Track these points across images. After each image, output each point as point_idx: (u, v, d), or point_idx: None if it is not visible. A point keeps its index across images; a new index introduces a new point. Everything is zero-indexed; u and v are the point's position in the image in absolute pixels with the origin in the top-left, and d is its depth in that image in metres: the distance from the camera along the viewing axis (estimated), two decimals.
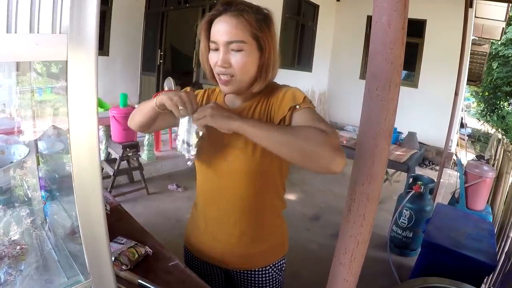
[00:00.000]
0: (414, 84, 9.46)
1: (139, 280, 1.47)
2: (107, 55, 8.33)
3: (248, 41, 1.31)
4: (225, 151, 1.45)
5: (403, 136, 6.07)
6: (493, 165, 5.11)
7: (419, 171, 6.92)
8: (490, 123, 16.39)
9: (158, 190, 5.48)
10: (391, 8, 0.75)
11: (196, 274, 1.62)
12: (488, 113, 17.01)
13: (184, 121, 1.32)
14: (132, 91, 8.42)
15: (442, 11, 8.70)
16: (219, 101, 1.54)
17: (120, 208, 2.17)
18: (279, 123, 1.36)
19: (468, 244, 2.78)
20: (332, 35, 10.99)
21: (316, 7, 10.06)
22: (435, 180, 4.76)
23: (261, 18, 1.32)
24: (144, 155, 5.85)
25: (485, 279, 3.00)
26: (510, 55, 15.00)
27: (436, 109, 8.85)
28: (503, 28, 10.42)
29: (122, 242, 1.71)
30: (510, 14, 9.94)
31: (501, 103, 16.78)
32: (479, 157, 5.87)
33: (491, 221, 4.02)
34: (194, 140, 1.32)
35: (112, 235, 1.72)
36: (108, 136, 5.20)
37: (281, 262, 1.69)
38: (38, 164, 1.57)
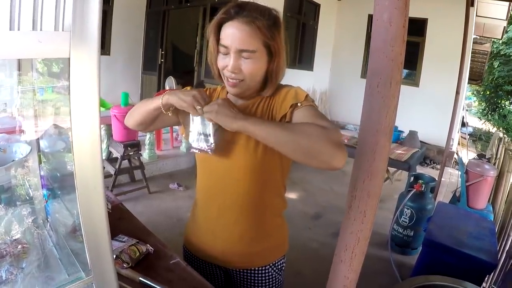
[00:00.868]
0: (415, 83, 9.45)
1: (140, 278, 1.48)
2: (108, 54, 8.34)
3: (259, 50, 1.32)
4: (227, 149, 1.45)
5: (404, 135, 6.06)
6: (494, 164, 5.11)
7: (420, 170, 6.91)
8: (491, 122, 16.37)
9: (159, 189, 5.49)
10: (392, 5, 0.75)
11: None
12: (489, 112, 16.99)
13: (197, 116, 1.33)
14: (133, 90, 8.43)
15: (443, 10, 8.70)
16: None
17: (122, 207, 2.17)
18: (280, 121, 1.37)
19: (469, 242, 2.78)
20: (333, 34, 10.98)
21: (317, 6, 10.06)
22: (436, 179, 4.75)
23: (271, 23, 1.32)
24: (145, 154, 5.86)
25: (486, 278, 2.99)
26: (511, 54, 14.98)
27: (437, 108, 8.85)
28: (504, 27, 10.40)
29: (123, 240, 1.72)
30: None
31: (502, 102, 16.75)
32: (480, 156, 5.86)
33: (492, 219, 4.02)
34: (211, 129, 1.33)
35: (114, 233, 1.73)
36: (109, 135, 5.21)
37: (281, 262, 1.69)
38: (40, 162, 1.57)
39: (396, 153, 4.89)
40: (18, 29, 0.70)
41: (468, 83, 11.37)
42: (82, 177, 0.79)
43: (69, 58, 0.71)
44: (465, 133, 10.53)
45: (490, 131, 15.18)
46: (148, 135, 5.77)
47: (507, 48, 15.12)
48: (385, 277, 3.68)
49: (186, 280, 1.55)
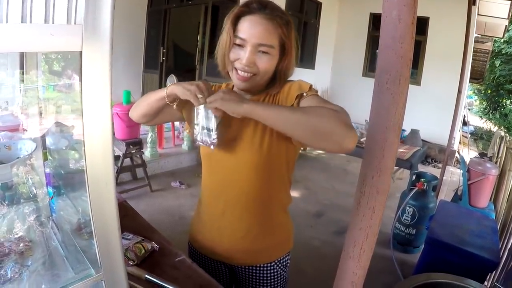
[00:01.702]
0: (417, 82, 9.44)
1: (146, 276, 1.48)
2: None
3: (275, 46, 1.34)
4: (232, 144, 1.45)
5: (406, 133, 6.06)
6: (496, 163, 5.11)
7: (421, 168, 6.91)
8: (492, 121, 16.37)
9: (162, 187, 5.49)
10: (401, 2, 0.76)
11: None
12: (491, 111, 16.98)
13: (201, 109, 1.32)
14: (134, 89, 8.40)
15: (445, 8, 8.68)
16: None
17: (126, 204, 2.17)
18: None
19: (472, 241, 2.79)
20: (334, 33, 10.96)
21: (318, 5, 10.04)
22: (438, 177, 4.76)
23: (286, 22, 1.35)
24: (147, 152, 5.85)
25: (488, 276, 3.00)
26: None
27: (438, 107, 8.84)
28: (505, 25, 10.38)
29: (128, 237, 1.72)
30: None
31: (504, 101, 16.74)
32: (482, 155, 5.86)
33: (494, 218, 4.02)
34: (214, 124, 1.32)
35: None
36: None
37: (286, 258, 1.69)
38: (45, 160, 1.57)
39: (398, 152, 4.88)
40: (30, 22, 0.70)
41: (470, 82, 11.36)
42: (93, 174, 0.78)
43: (81, 52, 0.70)
44: (467, 132, 10.53)
45: (491, 130, 15.17)
46: (150, 133, 5.77)
47: (508, 47, 15.11)
48: (387, 276, 3.69)
49: (191, 278, 1.55)
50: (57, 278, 1.09)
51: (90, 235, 0.95)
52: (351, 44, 10.61)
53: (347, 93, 10.44)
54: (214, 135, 1.33)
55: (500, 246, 3.03)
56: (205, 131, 1.34)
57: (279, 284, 1.69)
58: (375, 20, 9.96)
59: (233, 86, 1.56)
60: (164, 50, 9.12)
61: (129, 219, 2.00)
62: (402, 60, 0.77)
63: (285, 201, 1.63)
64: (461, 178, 4.45)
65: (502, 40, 14.53)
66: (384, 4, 0.78)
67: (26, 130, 1.60)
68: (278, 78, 1.44)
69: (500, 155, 5.45)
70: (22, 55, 1.49)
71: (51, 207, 1.49)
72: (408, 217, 4.17)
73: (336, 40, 11.03)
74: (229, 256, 1.64)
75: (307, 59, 10.21)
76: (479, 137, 13.81)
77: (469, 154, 8.90)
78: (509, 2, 8.12)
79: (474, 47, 9.95)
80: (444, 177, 5.82)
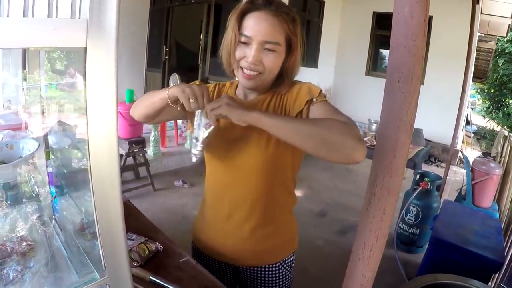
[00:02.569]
0: (420, 81, 9.41)
1: (150, 277, 1.46)
2: None
3: (281, 43, 1.32)
4: (238, 146, 1.44)
5: None
6: (499, 162, 5.10)
7: (424, 168, 6.88)
8: (495, 120, 16.31)
9: (164, 186, 5.49)
10: None
11: None
12: (494, 110, 16.92)
13: (197, 115, 1.29)
14: (137, 87, 8.40)
15: (448, 7, 8.65)
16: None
17: (129, 204, 2.16)
18: (296, 117, 1.35)
19: (476, 241, 2.78)
20: (337, 31, 10.93)
21: (321, 3, 10.02)
22: (442, 177, 4.74)
23: (292, 19, 1.33)
24: (150, 151, 5.86)
25: (492, 276, 2.98)
26: None
27: (442, 106, 8.81)
28: (509, 24, 10.33)
29: (132, 238, 1.70)
30: None
31: (507, 100, 16.67)
32: (485, 155, 5.85)
33: (498, 218, 4.01)
34: (202, 135, 1.28)
35: None
36: None
37: (291, 259, 1.68)
38: (48, 159, 1.55)
39: None
40: (32, 16, 0.67)
41: (473, 81, 11.33)
42: (97, 173, 0.76)
43: (85, 48, 0.67)
44: (470, 131, 10.51)
45: (494, 129, 15.12)
46: (152, 132, 5.77)
47: (511, 46, 15.07)
48: (391, 276, 3.67)
49: (196, 279, 1.54)
50: (60, 281, 1.07)
51: (93, 236, 0.94)
52: (354, 43, 10.59)
53: (350, 92, 10.43)
54: (199, 146, 1.30)
55: (504, 246, 3.01)
56: (194, 140, 1.32)
57: (284, 284, 1.68)
58: (378, 19, 9.95)
59: (237, 85, 1.55)
60: (167, 49, 9.13)
61: (132, 219, 1.99)
62: (415, 58, 0.76)
63: (290, 202, 1.62)
64: (465, 177, 4.44)
65: (505, 39, 14.47)
66: (395, 1, 0.77)
67: (29, 129, 1.59)
68: (285, 76, 1.42)
69: (503, 154, 5.43)
70: (24, 53, 1.48)
71: (54, 206, 1.47)
72: (412, 216, 4.16)
73: (339, 39, 11.00)
74: (234, 257, 1.63)
75: (310, 58, 10.19)
76: (482, 136, 13.76)
77: (472, 153, 8.88)
78: None
79: (477, 46, 9.92)
80: (447, 177, 5.80)
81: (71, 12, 0.68)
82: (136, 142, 4.89)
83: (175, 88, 1.27)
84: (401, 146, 0.80)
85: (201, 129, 1.28)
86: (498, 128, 14.75)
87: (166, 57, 9.13)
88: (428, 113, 8.85)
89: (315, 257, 3.95)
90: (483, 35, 11.40)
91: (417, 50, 0.75)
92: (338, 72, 11.05)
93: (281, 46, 1.32)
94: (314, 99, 1.34)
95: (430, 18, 9.03)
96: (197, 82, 1.42)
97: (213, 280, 1.53)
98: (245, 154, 1.43)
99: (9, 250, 1.14)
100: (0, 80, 1.69)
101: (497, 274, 3.12)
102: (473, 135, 11.21)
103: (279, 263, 1.63)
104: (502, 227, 3.42)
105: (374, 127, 6.31)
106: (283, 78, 1.43)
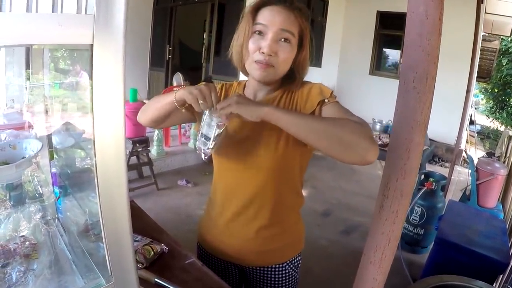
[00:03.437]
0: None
1: (156, 279, 1.44)
2: None
3: (295, 35, 1.33)
4: (246, 146, 1.43)
5: None
6: (504, 162, 5.08)
7: (428, 167, 6.87)
8: (499, 120, 16.26)
9: (168, 185, 5.48)
10: None
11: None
12: (497, 110, 16.86)
13: (205, 115, 1.28)
14: (140, 87, 8.41)
15: (452, 6, 8.61)
16: None
17: (133, 204, 2.13)
18: None
19: (481, 241, 2.77)
20: (341, 31, 10.90)
21: (325, 3, 10.00)
22: (446, 177, 4.72)
23: (306, 16, 1.36)
24: (153, 151, 5.85)
25: (497, 278, 2.97)
26: None
27: (445, 106, 8.75)
28: None
29: (137, 239, 1.69)
30: None
31: (511, 100, 16.61)
32: (490, 154, 5.83)
33: (503, 218, 3.99)
34: (214, 133, 1.26)
35: None
36: None
37: (297, 259, 1.67)
38: (51, 159, 1.54)
39: None
40: (36, 11, 0.66)
41: (476, 80, 11.29)
42: (104, 175, 0.74)
43: (91, 45, 0.65)
44: (473, 131, 10.48)
45: (498, 129, 15.09)
46: (156, 132, 5.77)
47: None
48: (395, 276, 3.64)
49: (202, 281, 1.52)
50: (64, 285, 1.06)
51: (97, 237, 0.92)
52: (358, 42, 10.56)
53: (354, 92, 10.39)
54: (210, 144, 1.28)
55: (509, 247, 3.00)
56: (203, 138, 1.30)
57: (290, 284, 1.67)
58: (382, 18, 9.92)
59: (245, 85, 1.54)
60: (170, 48, 9.14)
61: (136, 220, 1.95)
62: (429, 57, 0.74)
63: (297, 202, 1.62)
64: (469, 177, 4.42)
65: (509, 39, 14.43)
66: (410, 0, 0.75)
67: (32, 128, 1.58)
68: (295, 73, 1.43)
69: (508, 154, 5.41)
70: (28, 52, 1.47)
71: (57, 207, 1.46)
72: (417, 217, 4.14)
73: (343, 38, 10.97)
74: (240, 257, 1.62)
75: (314, 57, 10.17)
76: (486, 136, 13.74)
77: (476, 153, 8.85)
78: None
79: (481, 46, 9.88)
80: (451, 177, 5.78)
81: (77, 7, 0.66)
82: (140, 142, 4.89)
83: (182, 91, 1.27)
84: (415, 147, 0.79)
85: (212, 128, 1.27)
86: (501, 128, 14.71)
87: (170, 56, 9.14)
88: (432, 113, 8.74)
89: (319, 257, 3.94)
90: (487, 34, 11.38)
91: (432, 49, 0.74)
92: (342, 72, 11.02)
93: (295, 38, 1.33)
94: (326, 100, 1.34)
95: None
96: (203, 83, 1.41)
97: (219, 282, 1.52)
98: (254, 155, 1.42)
99: (12, 250, 1.13)
100: (4, 79, 1.68)
101: (502, 275, 3.11)
102: (477, 135, 11.18)
103: (285, 264, 1.62)
104: (507, 228, 3.40)
105: (378, 126, 6.28)
106: (294, 75, 1.43)
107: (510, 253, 2.98)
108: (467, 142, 9.91)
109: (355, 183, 6.42)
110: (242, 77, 1.56)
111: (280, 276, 1.63)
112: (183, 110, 1.37)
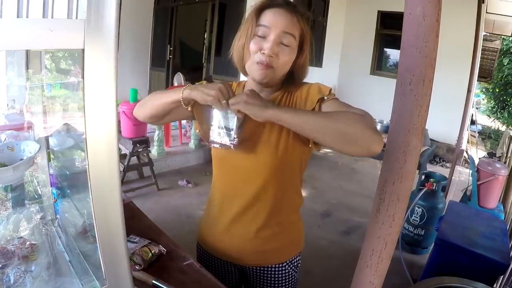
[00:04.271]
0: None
1: (153, 281, 1.44)
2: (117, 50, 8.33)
3: (296, 38, 1.36)
4: (247, 146, 1.43)
5: None
6: (505, 163, 5.06)
7: (429, 168, 6.86)
8: (500, 120, 16.24)
9: (168, 186, 5.48)
10: None
11: (209, 271, 1.60)
12: (499, 110, 16.84)
13: (219, 110, 1.30)
14: (141, 87, 8.41)
15: (453, 6, 8.60)
16: None
17: (132, 205, 2.13)
18: None
19: (482, 242, 2.76)
20: (342, 31, 10.88)
21: (326, 2, 9.98)
22: (447, 177, 4.71)
23: (307, 20, 1.39)
24: (154, 151, 5.84)
25: (497, 279, 2.96)
26: None
27: (446, 106, 8.74)
28: None
29: (135, 240, 1.68)
30: None
31: None
32: (491, 155, 5.82)
33: (503, 219, 3.98)
34: (234, 123, 1.29)
35: None
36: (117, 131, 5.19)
37: (297, 259, 1.68)
38: (49, 160, 1.54)
39: None
40: (27, 16, 0.65)
41: (477, 80, 11.27)
42: (97, 179, 0.74)
43: (83, 50, 0.65)
44: (475, 131, 10.46)
45: (499, 129, 15.07)
46: (156, 132, 5.76)
47: None
48: (395, 277, 3.64)
49: (200, 283, 1.52)
50: (61, 286, 1.06)
51: (95, 239, 0.92)
52: (359, 42, 10.54)
53: (354, 92, 10.36)
54: (234, 134, 1.30)
55: (510, 248, 2.99)
56: (224, 130, 1.31)
57: (289, 284, 1.67)
58: (383, 18, 9.90)
59: (244, 85, 1.54)
60: (171, 48, 9.14)
61: (135, 221, 1.96)
62: (427, 60, 0.74)
63: (297, 202, 1.62)
64: (470, 178, 4.41)
65: (510, 39, 14.41)
66: (407, 1, 0.74)
67: (32, 129, 1.58)
68: (295, 74, 1.46)
69: (509, 155, 5.40)
70: (27, 53, 1.47)
71: (56, 209, 1.46)
72: (417, 217, 4.13)
73: (344, 38, 10.95)
74: (239, 257, 1.62)
75: (315, 57, 10.14)
76: (487, 136, 13.71)
77: (477, 153, 8.84)
78: None
79: (482, 46, 9.86)
80: (452, 177, 5.77)
81: (67, 12, 0.65)
82: (140, 142, 4.88)
83: (192, 92, 1.28)
84: (412, 151, 0.78)
85: (230, 119, 1.29)
86: (503, 128, 14.70)
87: (170, 56, 9.14)
88: (433, 113, 8.70)
89: (319, 258, 3.94)
90: (488, 34, 11.35)
91: (429, 52, 0.73)
92: (343, 72, 11.00)
93: (296, 41, 1.35)
94: (325, 97, 1.35)
95: None
96: (203, 82, 1.40)
97: (217, 284, 1.52)
98: (254, 156, 1.43)
99: (11, 250, 1.13)
100: (4, 80, 1.68)
101: (502, 277, 3.10)
102: (478, 135, 11.16)
103: (285, 263, 1.62)
104: (507, 229, 3.39)
105: (379, 127, 6.28)
106: (293, 76, 1.46)
107: (511, 254, 2.97)
108: (468, 142, 9.89)
109: (356, 184, 6.42)
110: (242, 77, 1.56)
111: (280, 276, 1.63)
112: (189, 109, 1.40)
